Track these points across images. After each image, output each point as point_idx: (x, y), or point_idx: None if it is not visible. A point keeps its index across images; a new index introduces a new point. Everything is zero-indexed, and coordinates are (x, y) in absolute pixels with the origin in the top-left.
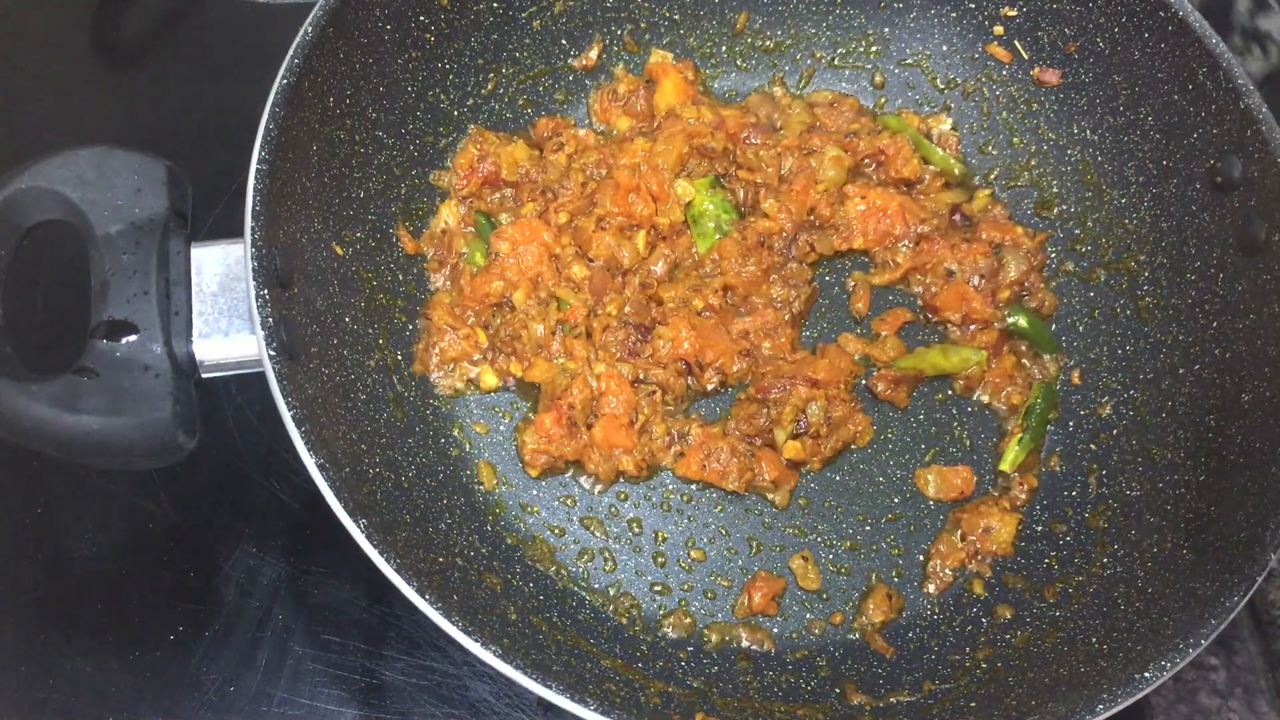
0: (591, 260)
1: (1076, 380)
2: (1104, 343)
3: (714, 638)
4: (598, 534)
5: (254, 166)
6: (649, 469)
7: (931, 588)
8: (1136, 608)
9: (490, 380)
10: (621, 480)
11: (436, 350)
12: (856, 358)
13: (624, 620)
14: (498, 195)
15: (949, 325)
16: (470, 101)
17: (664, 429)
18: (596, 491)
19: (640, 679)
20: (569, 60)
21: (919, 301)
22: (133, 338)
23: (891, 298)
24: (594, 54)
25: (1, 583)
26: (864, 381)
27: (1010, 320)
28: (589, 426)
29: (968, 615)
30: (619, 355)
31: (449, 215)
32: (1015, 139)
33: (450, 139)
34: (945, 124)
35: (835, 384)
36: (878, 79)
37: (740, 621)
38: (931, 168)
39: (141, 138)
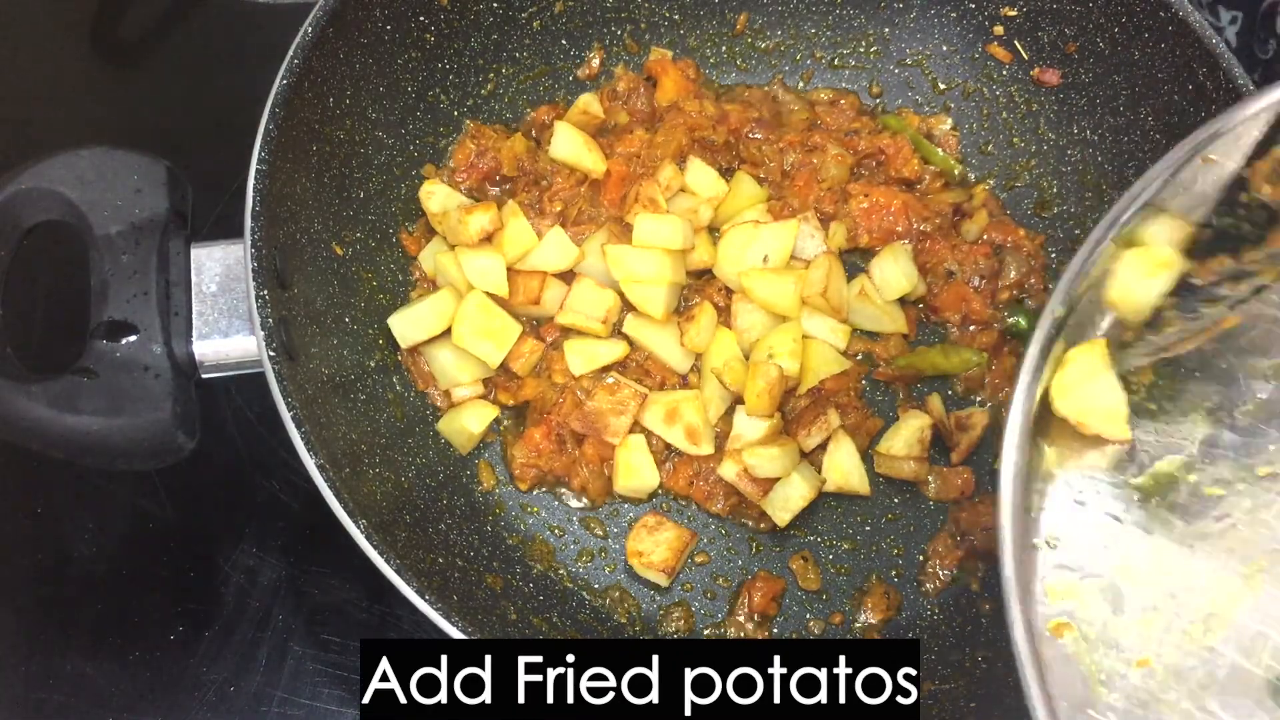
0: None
1: None
2: None
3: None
4: (598, 534)
5: (254, 166)
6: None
7: (930, 587)
8: None
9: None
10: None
11: (426, 369)
12: (859, 357)
13: (624, 620)
14: (496, 191)
15: (949, 325)
16: (470, 101)
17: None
18: (581, 506)
19: None
20: (573, 68)
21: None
22: (132, 338)
23: None
24: (595, 63)
25: (1, 583)
26: (872, 374)
27: (1010, 321)
28: (579, 441)
29: (967, 615)
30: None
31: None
32: (1015, 139)
33: (450, 139)
34: (945, 124)
35: (844, 391)
36: (877, 80)
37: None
38: (931, 168)
39: (141, 138)
